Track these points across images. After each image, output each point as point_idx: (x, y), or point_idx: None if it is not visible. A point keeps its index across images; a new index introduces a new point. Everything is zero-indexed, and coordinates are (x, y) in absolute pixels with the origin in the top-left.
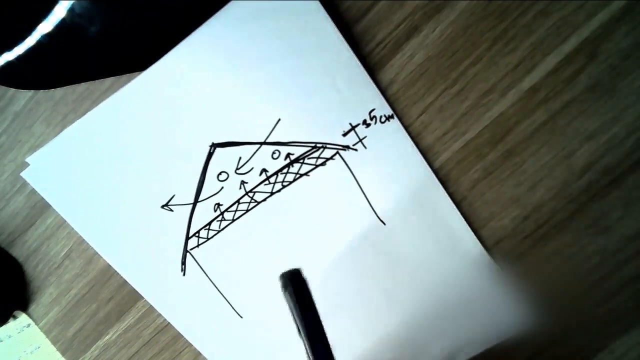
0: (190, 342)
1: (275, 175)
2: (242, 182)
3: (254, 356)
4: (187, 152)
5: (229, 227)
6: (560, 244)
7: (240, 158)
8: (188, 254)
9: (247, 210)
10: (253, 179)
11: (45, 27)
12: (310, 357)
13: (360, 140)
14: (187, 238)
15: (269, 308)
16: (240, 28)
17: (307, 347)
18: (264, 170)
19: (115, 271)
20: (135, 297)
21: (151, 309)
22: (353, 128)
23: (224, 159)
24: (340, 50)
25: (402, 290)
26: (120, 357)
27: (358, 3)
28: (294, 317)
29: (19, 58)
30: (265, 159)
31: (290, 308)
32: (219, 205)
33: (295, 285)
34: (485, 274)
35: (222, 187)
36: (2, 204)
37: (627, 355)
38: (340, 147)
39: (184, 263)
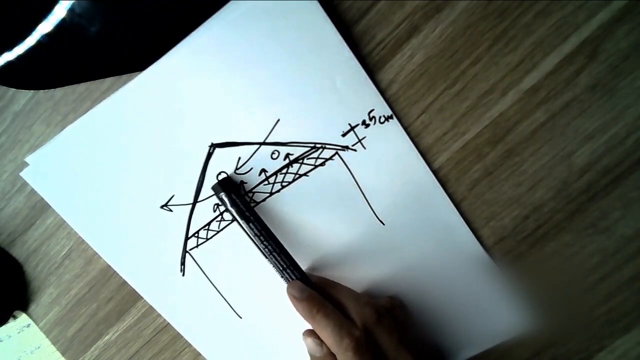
0: (190, 342)
1: (275, 176)
2: (242, 182)
3: (253, 356)
4: (186, 152)
5: (228, 227)
6: (560, 244)
7: (239, 158)
8: (187, 254)
9: None
10: (252, 179)
11: (45, 27)
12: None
13: (360, 141)
14: (187, 238)
15: (268, 308)
16: (240, 28)
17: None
18: (264, 170)
19: (115, 271)
20: (135, 297)
21: (151, 309)
22: (352, 128)
23: (223, 159)
24: (339, 50)
25: (401, 291)
26: (120, 357)
27: (358, 3)
28: (234, 218)
29: (19, 58)
30: (264, 159)
31: (229, 211)
32: (218, 205)
33: (224, 188)
34: (485, 274)
35: None
36: (2, 204)
37: (627, 355)
38: (339, 148)
39: (183, 263)
